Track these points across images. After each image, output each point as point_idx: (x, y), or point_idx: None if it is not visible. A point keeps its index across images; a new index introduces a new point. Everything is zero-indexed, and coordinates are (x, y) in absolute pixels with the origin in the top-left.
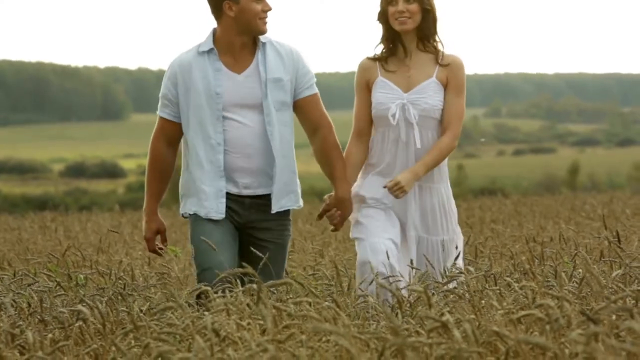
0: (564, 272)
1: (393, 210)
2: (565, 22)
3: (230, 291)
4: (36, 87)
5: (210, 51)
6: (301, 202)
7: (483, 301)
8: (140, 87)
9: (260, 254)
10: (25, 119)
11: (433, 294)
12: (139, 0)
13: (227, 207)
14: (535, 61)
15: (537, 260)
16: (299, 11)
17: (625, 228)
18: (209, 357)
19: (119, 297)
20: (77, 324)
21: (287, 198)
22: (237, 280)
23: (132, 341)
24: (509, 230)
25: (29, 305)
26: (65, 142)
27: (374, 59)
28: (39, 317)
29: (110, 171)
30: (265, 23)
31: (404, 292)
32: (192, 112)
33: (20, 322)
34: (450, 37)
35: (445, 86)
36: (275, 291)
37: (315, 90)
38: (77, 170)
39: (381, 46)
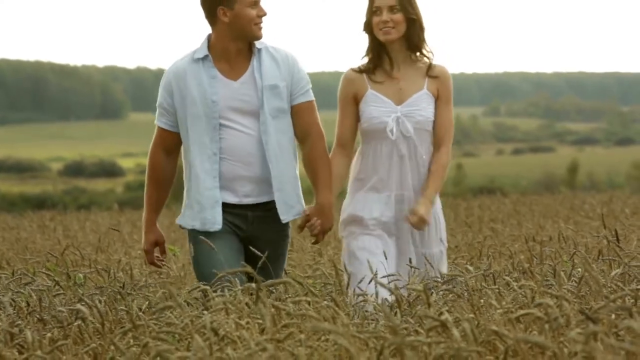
0: (563, 271)
1: (389, 227)
2: (564, 21)
3: (229, 290)
4: (35, 86)
5: (205, 58)
6: (304, 206)
7: (482, 300)
8: (139, 86)
9: (260, 253)
10: (23, 118)
11: (432, 293)
12: (138, 0)
13: (230, 222)
14: (534, 60)
15: (536, 260)
16: (300, 11)
17: (624, 227)
18: (208, 356)
19: (118, 296)
20: (76, 323)
21: (298, 206)
22: (237, 279)
23: (131, 340)
24: (508, 229)
25: (28, 304)
26: (63, 141)
27: (360, 70)
28: (37, 316)
29: (109, 170)
30: (261, 28)
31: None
32: (189, 121)
33: (19, 321)
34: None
35: (437, 98)
36: (274, 290)
37: (310, 97)
38: (75, 169)
39: (367, 58)
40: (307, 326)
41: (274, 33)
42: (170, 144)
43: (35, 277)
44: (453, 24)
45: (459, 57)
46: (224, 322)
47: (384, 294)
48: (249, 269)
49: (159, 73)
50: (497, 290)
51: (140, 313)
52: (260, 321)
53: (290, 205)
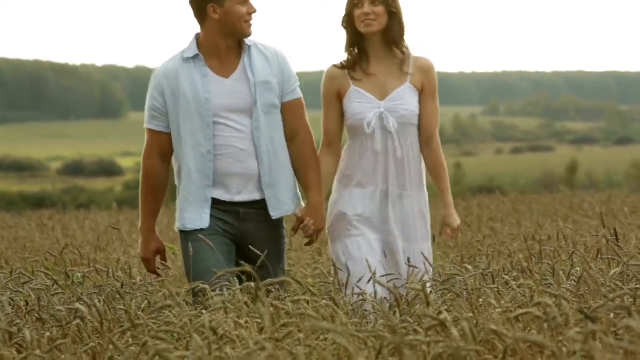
0: (562, 270)
1: (373, 223)
2: (563, 20)
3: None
4: (34, 85)
5: (195, 57)
6: (302, 204)
7: (481, 299)
8: (138, 85)
9: (259, 252)
10: (23, 117)
11: (431, 292)
12: (138, 0)
13: (221, 220)
14: (533, 59)
15: (535, 259)
16: (298, 10)
17: (623, 226)
18: (207, 355)
19: (117, 296)
20: (74, 322)
21: (290, 202)
22: (236, 279)
23: (130, 339)
24: (507, 228)
25: (27, 303)
26: (63, 140)
27: (342, 66)
28: (36, 315)
29: (108, 169)
30: (250, 26)
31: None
32: (182, 120)
33: (18, 321)
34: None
35: (421, 91)
36: (273, 289)
37: (298, 94)
38: (74, 169)
39: (347, 53)
40: (306, 325)
41: (274, 32)
42: (164, 148)
43: (34, 276)
44: (452, 24)
45: (458, 56)
46: (223, 322)
47: (368, 298)
48: (247, 268)
49: None
50: (496, 290)
51: (139, 312)
52: (259, 320)
53: (282, 201)
